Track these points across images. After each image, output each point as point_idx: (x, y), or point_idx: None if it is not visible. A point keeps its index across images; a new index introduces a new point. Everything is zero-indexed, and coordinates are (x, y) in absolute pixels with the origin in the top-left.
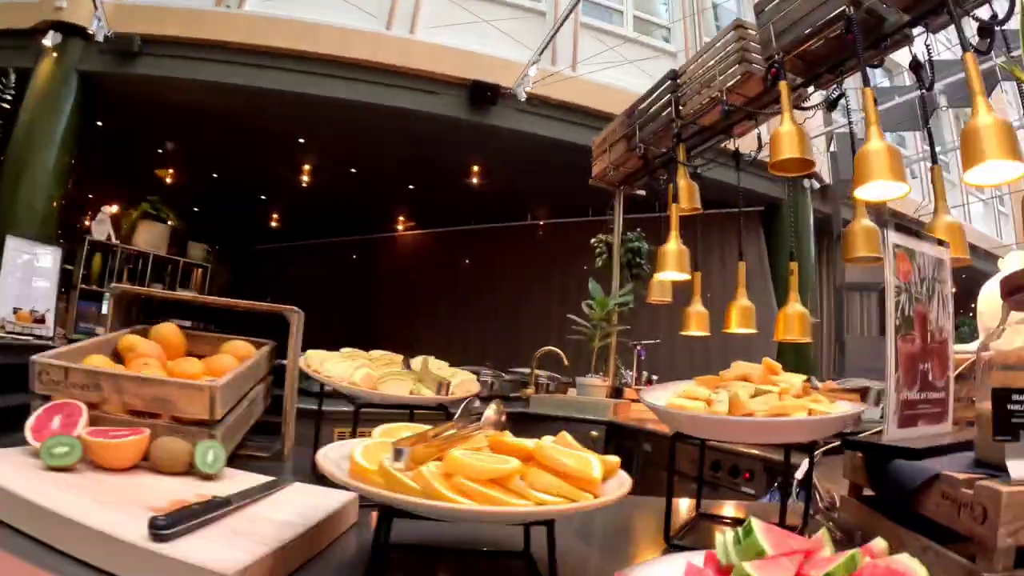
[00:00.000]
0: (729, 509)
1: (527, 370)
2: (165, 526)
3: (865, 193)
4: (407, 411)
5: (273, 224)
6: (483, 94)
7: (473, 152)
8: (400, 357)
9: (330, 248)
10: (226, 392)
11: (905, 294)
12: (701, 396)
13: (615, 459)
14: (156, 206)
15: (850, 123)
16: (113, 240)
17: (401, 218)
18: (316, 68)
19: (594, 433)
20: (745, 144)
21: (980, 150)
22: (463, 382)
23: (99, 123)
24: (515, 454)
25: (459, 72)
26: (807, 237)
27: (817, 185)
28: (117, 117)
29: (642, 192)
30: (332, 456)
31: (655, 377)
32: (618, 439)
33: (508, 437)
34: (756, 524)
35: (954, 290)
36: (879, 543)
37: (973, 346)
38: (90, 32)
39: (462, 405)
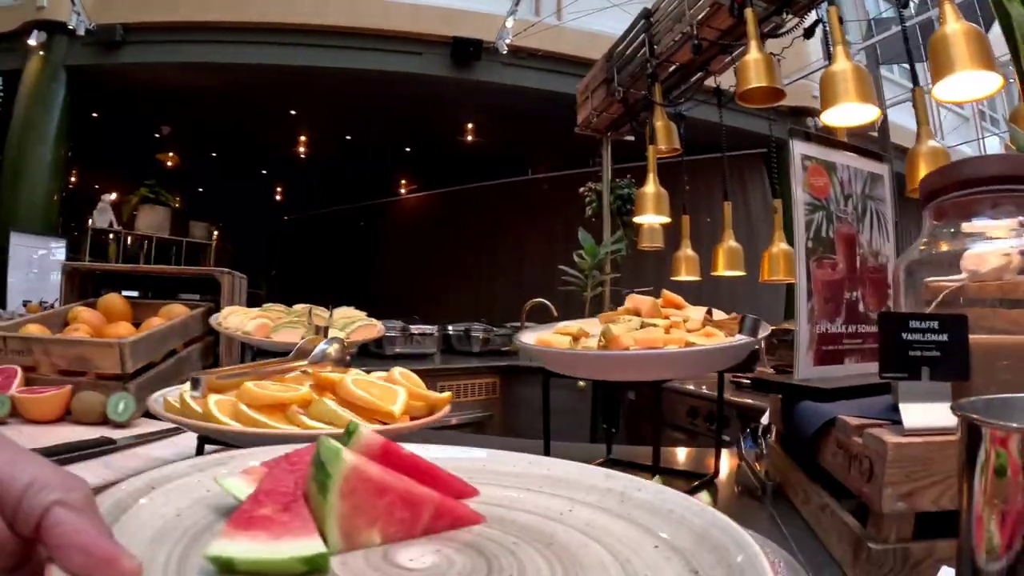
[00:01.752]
0: (641, 454)
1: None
2: (47, 455)
3: (832, 117)
4: None
5: (277, 198)
6: (466, 50)
7: (464, 110)
8: (323, 311)
9: (336, 217)
10: (137, 348)
11: (821, 212)
12: (572, 331)
13: (442, 396)
14: (155, 189)
15: (828, 53)
16: (115, 227)
17: (403, 182)
18: (293, 39)
19: (581, 384)
20: (729, 81)
21: (949, 60)
22: (360, 328)
23: (94, 114)
24: (325, 387)
25: (440, 30)
26: None
27: (820, 123)
28: (110, 107)
29: (631, 137)
30: (171, 396)
31: None
32: (605, 388)
33: (350, 374)
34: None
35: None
36: None
37: (956, 276)
38: (71, 27)
39: (298, 344)
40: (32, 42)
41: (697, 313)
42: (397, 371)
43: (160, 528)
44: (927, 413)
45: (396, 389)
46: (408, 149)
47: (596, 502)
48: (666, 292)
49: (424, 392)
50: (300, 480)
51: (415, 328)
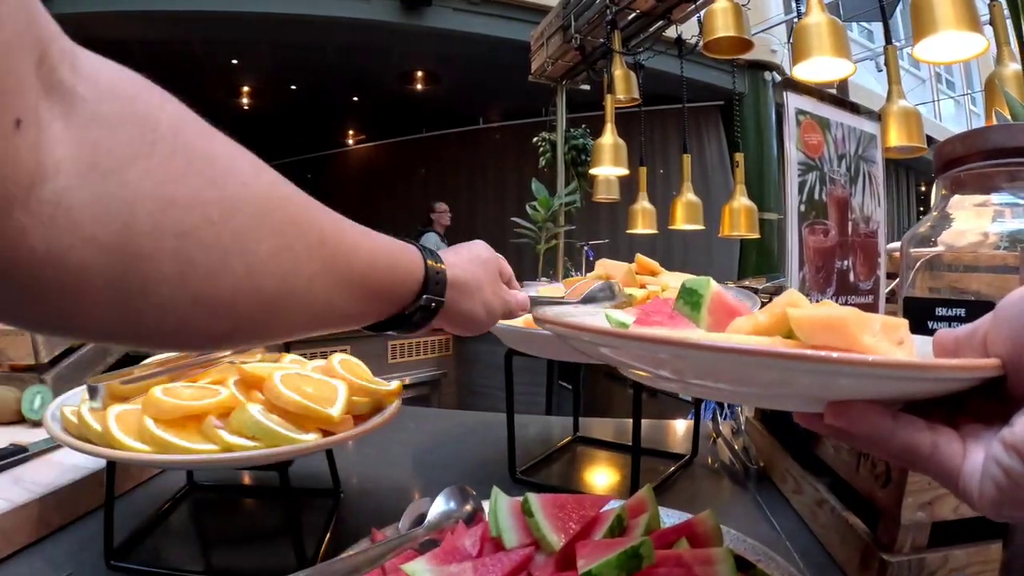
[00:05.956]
0: (609, 430)
1: None
2: None
3: (805, 72)
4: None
5: None
6: None
7: (414, 58)
8: None
9: (284, 169)
10: None
11: (814, 173)
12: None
13: (391, 388)
14: None
15: (799, 9)
16: None
17: (352, 132)
18: None
19: None
20: (690, 31)
21: (932, 19)
22: None
23: None
24: (252, 384)
25: None
26: (768, 131)
27: (779, 78)
28: None
29: (586, 87)
30: (72, 404)
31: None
32: None
33: (281, 365)
34: (532, 501)
35: (923, 188)
36: (706, 521)
37: (933, 248)
38: None
39: None
40: None
41: (676, 280)
42: (337, 359)
43: None
44: None
45: (335, 385)
46: (356, 98)
47: None
48: (640, 257)
49: (369, 385)
50: (670, 310)
51: None
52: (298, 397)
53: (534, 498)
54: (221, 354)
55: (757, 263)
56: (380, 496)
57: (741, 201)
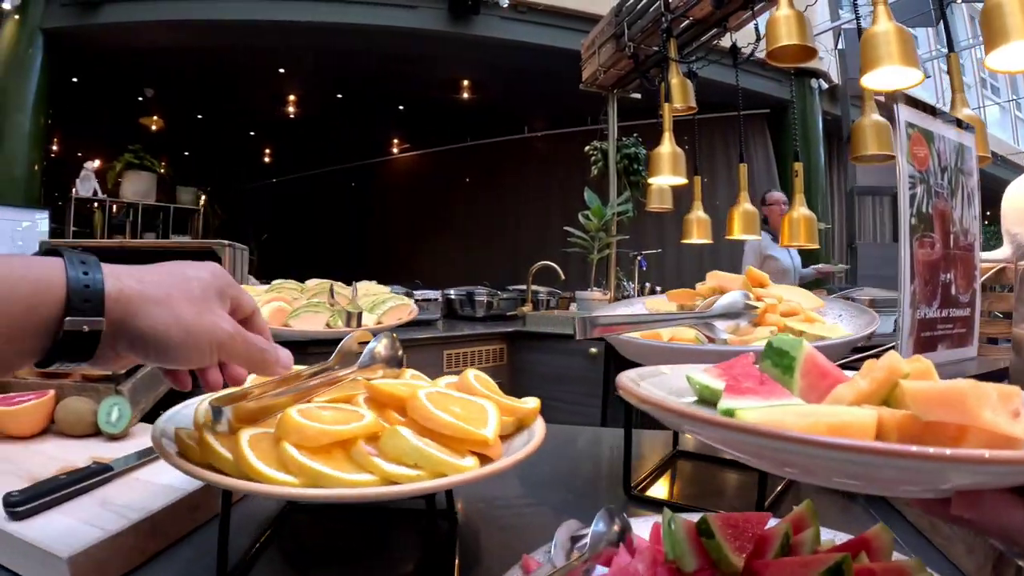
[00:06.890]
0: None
1: (525, 287)
2: (18, 502)
3: (873, 81)
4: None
5: (266, 160)
6: (463, 3)
7: (461, 66)
8: (344, 289)
9: (328, 178)
10: None
11: (922, 186)
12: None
13: (531, 404)
14: (139, 155)
15: (857, 16)
16: (99, 195)
17: (396, 141)
18: None
19: (593, 350)
20: (744, 39)
21: (1004, 28)
22: (392, 309)
23: (74, 79)
24: (387, 404)
25: None
26: (816, 139)
27: (825, 85)
28: (91, 71)
29: (637, 95)
30: (183, 423)
31: (659, 288)
32: (618, 356)
33: (402, 378)
34: (712, 522)
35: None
36: (881, 535)
37: (999, 253)
38: None
39: (343, 340)
40: (6, 5)
41: (788, 293)
42: (471, 374)
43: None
44: None
45: (482, 405)
46: (401, 107)
47: None
48: (752, 269)
49: (510, 403)
50: (758, 373)
51: (419, 294)
52: (451, 418)
53: (713, 519)
54: (346, 371)
55: None
56: (497, 518)
57: (801, 211)
